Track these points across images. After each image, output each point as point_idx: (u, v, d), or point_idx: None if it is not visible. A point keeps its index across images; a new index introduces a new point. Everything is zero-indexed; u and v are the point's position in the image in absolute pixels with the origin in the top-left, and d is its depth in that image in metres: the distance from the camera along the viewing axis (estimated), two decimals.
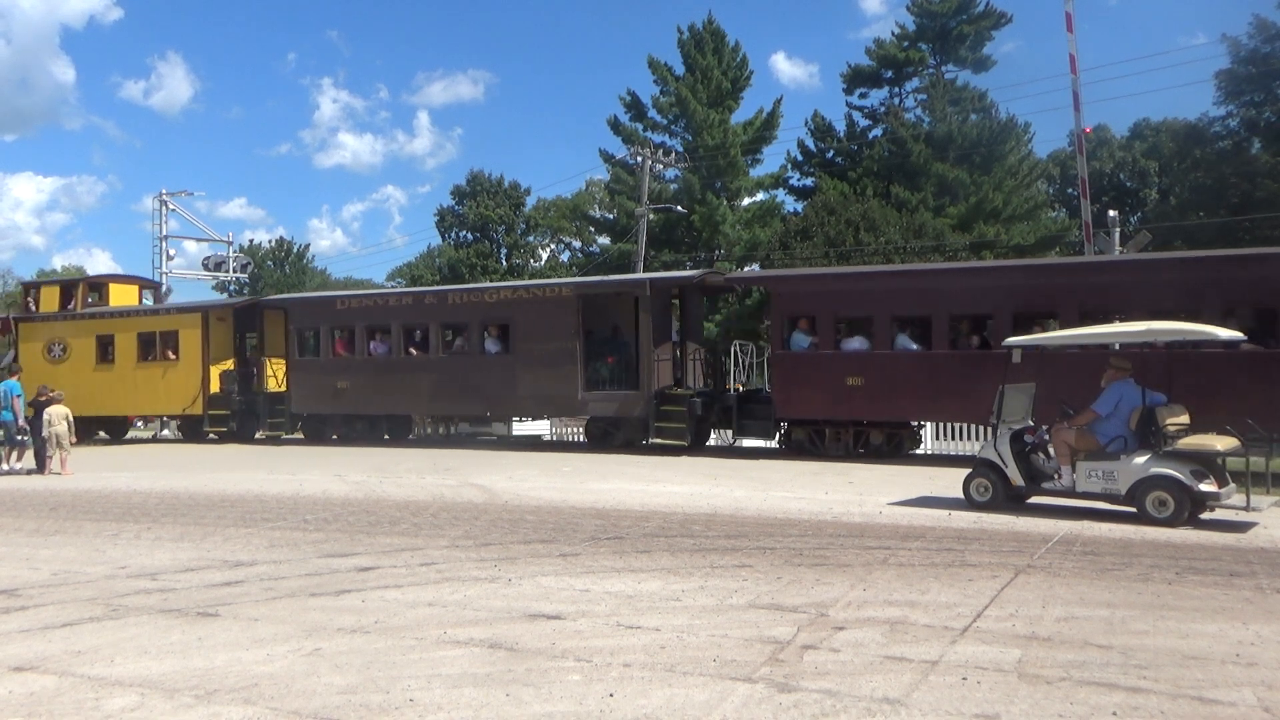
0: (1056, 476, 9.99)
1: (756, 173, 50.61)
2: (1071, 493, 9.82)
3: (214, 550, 8.47)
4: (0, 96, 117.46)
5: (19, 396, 17.49)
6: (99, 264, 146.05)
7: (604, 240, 55.41)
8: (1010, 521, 9.51)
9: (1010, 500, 10.22)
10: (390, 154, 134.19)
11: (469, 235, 66.49)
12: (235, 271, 29.54)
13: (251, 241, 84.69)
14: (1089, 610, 5.95)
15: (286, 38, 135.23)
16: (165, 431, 27.84)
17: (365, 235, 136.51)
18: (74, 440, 17.56)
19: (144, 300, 26.19)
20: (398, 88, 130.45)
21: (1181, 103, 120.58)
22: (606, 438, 18.76)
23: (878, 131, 49.26)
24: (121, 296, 25.34)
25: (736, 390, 18.09)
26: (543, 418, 23.00)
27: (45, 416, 16.91)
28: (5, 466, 17.18)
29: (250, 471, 16.01)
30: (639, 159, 38.67)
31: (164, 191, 27.69)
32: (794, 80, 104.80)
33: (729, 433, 19.07)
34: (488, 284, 22.02)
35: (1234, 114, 39.85)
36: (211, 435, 22.80)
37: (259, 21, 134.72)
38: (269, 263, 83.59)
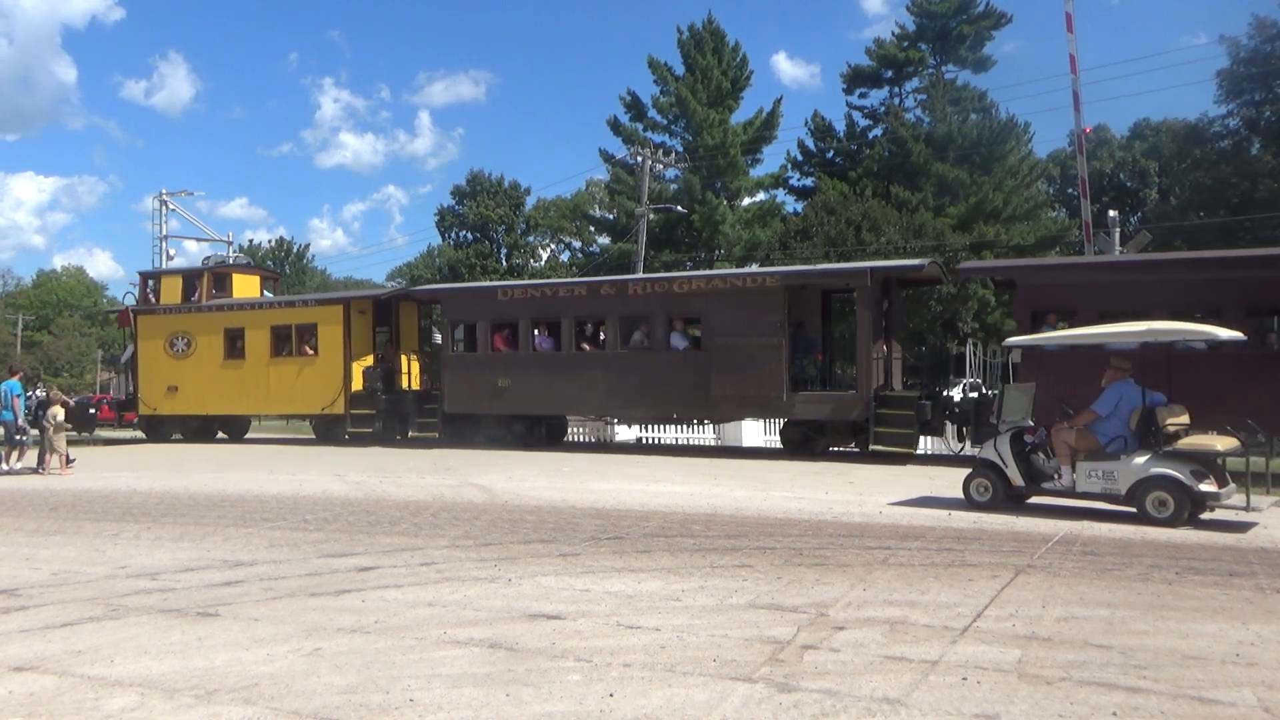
0: (1056, 476, 10.00)
1: (756, 173, 50.73)
2: (1071, 493, 9.82)
3: (214, 550, 8.47)
4: (2, 96, 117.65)
5: (19, 396, 17.38)
6: (99, 264, 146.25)
7: (604, 240, 55.46)
8: (1010, 521, 9.51)
9: (1010, 500, 10.23)
10: (391, 154, 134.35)
11: (469, 235, 66.57)
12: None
13: (251, 241, 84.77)
14: (1089, 610, 5.95)
15: (288, 37, 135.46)
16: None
17: (366, 235, 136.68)
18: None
19: (264, 292, 24.68)
20: (399, 88, 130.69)
21: (1181, 103, 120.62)
22: (807, 443, 17.11)
23: (878, 131, 49.35)
24: (244, 287, 23.95)
25: (976, 389, 16.26)
26: (738, 420, 20.83)
27: (46, 415, 16.91)
28: (5, 466, 17.14)
29: (250, 471, 16.01)
30: (639, 159, 38.67)
31: (164, 191, 27.73)
32: (795, 80, 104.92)
33: (928, 439, 17.51)
34: (676, 274, 20.04)
35: (1234, 114, 39.88)
36: (350, 436, 21.33)
37: (261, 21, 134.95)
38: (269, 263, 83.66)
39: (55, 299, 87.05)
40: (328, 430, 22.24)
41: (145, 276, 25.33)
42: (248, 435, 25.15)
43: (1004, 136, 44.78)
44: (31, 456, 17.40)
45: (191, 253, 67.08)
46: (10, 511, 11.44)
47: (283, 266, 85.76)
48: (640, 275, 20.39)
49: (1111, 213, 24.07)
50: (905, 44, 49.07)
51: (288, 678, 4.74)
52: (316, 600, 6.46)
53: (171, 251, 28.18)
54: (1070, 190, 52.92)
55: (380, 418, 20.71)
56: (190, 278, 23.86)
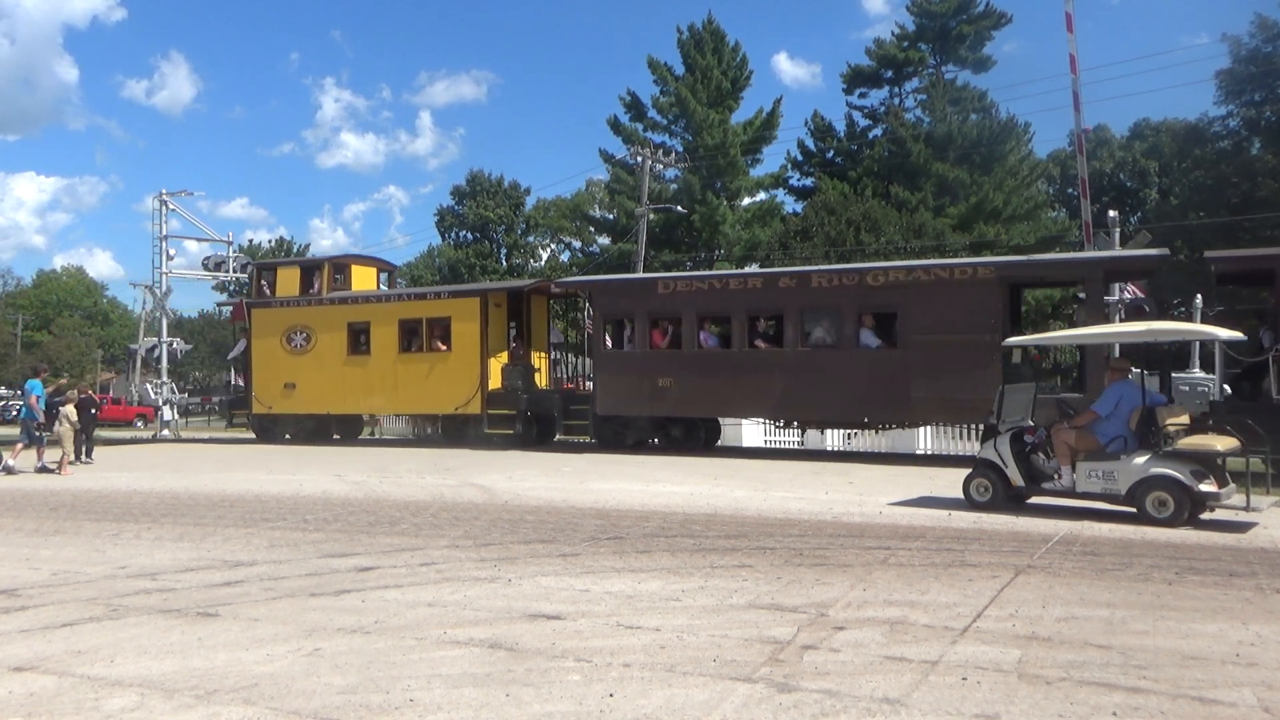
0: (1056, 476, 10.00)
1: (756, 173, 50.71)
2: (1071, 493, 9.82)
3: (214, 550, 8.47)
4: (4, 96, 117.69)
5: (39, 396, 17.45)
6: (100, 264, 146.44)
7: (604, 240, 55.46)
8: (1010, 521, 9.51)
9: (1010, 500, 10.23)
10: (392, 154, 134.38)
11: (469, 235, 66.56)
12: (235, 271, 29.43)
13: (251, 241, 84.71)
14: (1089, 610, 5.95)
15: (289, 37, 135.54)
16: (165, 432, 27.70)
17: (366, 235, 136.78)
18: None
19: (380, 284, 23.43)
20: (400, 88, 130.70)
21: (1181, 103, 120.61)
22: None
23: (878, 131, 49.35)
24: (362, 279, 22.79)
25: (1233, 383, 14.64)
26: (940, 424, 18.74)
27: (59, 415, 17.12)
28: (37, 463, 17.30)
29: (250, 471, 16.01)
30: (639, 159, 38.67)
31: (164, 191, 27.59)
32: (796, 80, 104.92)
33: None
34: (869, 264, 18.52)
35: (1234, 113, 39.88)
36: (487, 438, 19.73)
37: (262, 21, 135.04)
38: None
39: (55, 299, 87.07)
40: (457, 432, 20.84)
41: (259, 267, 24.14)
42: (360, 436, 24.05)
43: (1004, 136, 44.79)
44: (49, 455, 17.53)
45: (192, 253, 67.13)
46: (10, 511, 11.43)
47: None
48: (827, 266, 18.37)
49: (1111, 213, 24.00)
50: (905, 44, 49.06)
51: (288, 678, 4.74)
52: (316, 600, 6.45)
53: (171, 251, 28.01)
54: (1070, 190, 52.91)
55: (520, 419, 19.32)
56: (309, 269, 22.69)
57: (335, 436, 22.95)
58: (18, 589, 6.93)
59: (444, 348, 20.14)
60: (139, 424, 37.91)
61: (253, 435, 23.92)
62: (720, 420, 19.32)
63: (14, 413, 48.60)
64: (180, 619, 5.97)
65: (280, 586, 6.92)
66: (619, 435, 18.35)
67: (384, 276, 23.99)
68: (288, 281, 22.49)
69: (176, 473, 16.02)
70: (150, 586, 6.96)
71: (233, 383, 26.42)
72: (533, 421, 19.64)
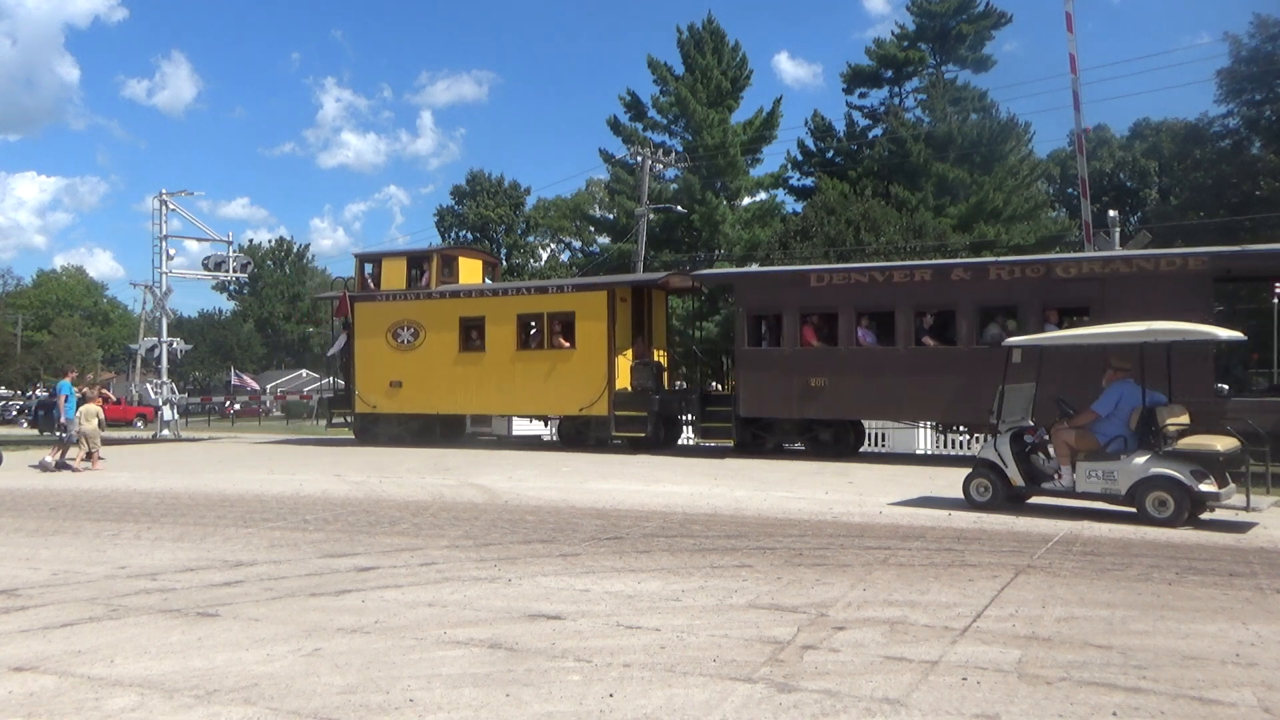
0: (1056, 476, 10.00)
1: (756, 173, 50.70)
2: (1071, 493, 9.82)
3: (214, 550, 8.47)
4: (5, 96, 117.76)
5: (67, 396, 17.71)
6: (100, 264, 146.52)
7: (604, 240, 55.46)
8: (1010, 521, 9.51)
9: (1010, 500, 10.23)
10: (393, 154, 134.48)
11: (469, 235, 66.58)
12: (235, 271, 29.44)
13: (251, 241, 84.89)
14: (1089, 610, 5.95)
15: (290, 37, 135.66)
16: (165, 432, 27.69)
17: (367, 235, 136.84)
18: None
19: (485, 279, 22.16)
20: (401, 87, 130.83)
21: (1182, 103, 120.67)
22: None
23: (878, 131, 49.31)
24: (469, 273, 21.57)
25: None
26: None
27: (78, 413, 17.33)
28: (57, 461, 17.49)
29: (250, 471, 16.01)
30: (639, 159, 38.67)
31: (164, 191, 27.59)
32: (797, 80, 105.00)
33: None
34: (1057, 255, 17.02)
35: (1234, 113, 39.87)
36: (615, 441, 18.56)
37: (263, 21, 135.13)
38: (269, 262, 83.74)
39: (55, 299, 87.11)
40: (577, 434, 19.50)
41: (362, 260, 22.57)
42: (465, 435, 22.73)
43: (1004, 136, 44.77)
44: (69, 453, 17.77)
45: (193, 253, 67.22)
46: (10, 511, 11.43)
47: (283, 266, 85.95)
48: (1008, 258, 16.97)
49: (1111, 213, 24.03)
50: (905, 44, 49.04)
51: (288, 678, 4.74)
52: (316, 600, 6.45)
53: (171, 251, 28.01)
54: (1070, 190, 52.94)
55: (651, 420, 18.12)
56: (416, 260, 21.29)
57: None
58: (18, 589, 6.93)
59: (567, 345, 18.89)
60: (139, 424, 37.90)
61: (322, 433, 23.32)
62: (865, 424, 18.27)
63: (13, 413, 48.64)
64: (180, 619, 5.97)
65: (280, 586, 6.92)
66: (760, 439, 17.30)
67: (489, 271, 22.78)
68: (393, 274, 21.04)
69: (176, 473, 16.02)
70: (150, 586, 6.96)
71: (331, 380, 25.97)
72: (661, 424, 18.64)
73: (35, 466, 17.33)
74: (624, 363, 18.64)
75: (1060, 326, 14.66)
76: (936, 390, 15.23)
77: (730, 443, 17.34)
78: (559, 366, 18.79)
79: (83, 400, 17.64)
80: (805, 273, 17.62)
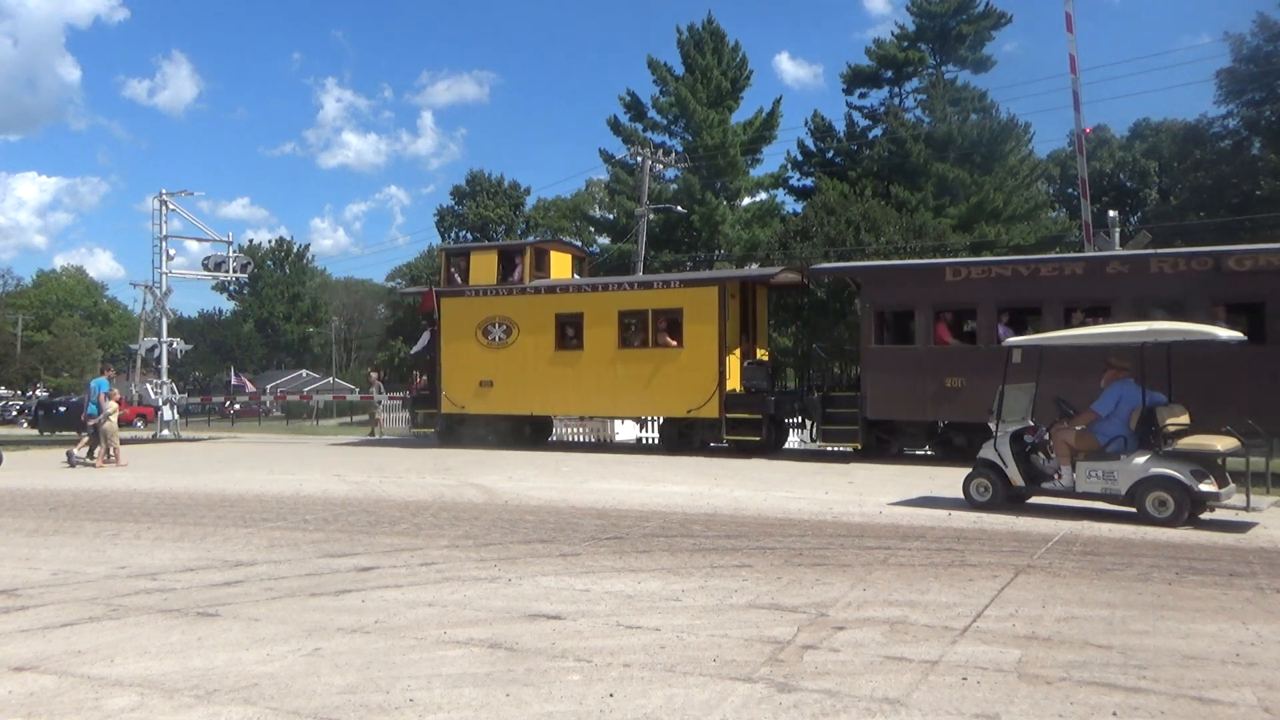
0: (1056, 476, 9.99)
1: (756, 173, 50.76)
2: (1071, 493, 9.82)
3: (214, 550, 8.47)
4: (6, 96, 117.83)
5: (105, 393, 18.03)
6: (100, 264, 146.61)
7: (604, 240, 55.47)
8: (1010, 521, 9.51)
9: (1010, 500, 10.23)
10: (394, 154, 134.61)
11: (469, 235, 66.61)
12: (235, 271, 29.43)
13: (251, 241, 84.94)
14: (1089, 610, 5.95)
15: (291, 37, 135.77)
16: (165, 432, 27.66)
17: (367, 235, 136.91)
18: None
19: (574, 274, 21.10)
20: (402, 87, 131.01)
21: (1181, 103, 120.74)
22: None
23: (878, 131, 49.34)
24: (560, 267, 20.62)
25: None
26: None
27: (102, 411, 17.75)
28: (77, 456, 18.01)
29: (250, 471, 16.01)
30: (639, 159, 38.67)
31: (164, 191, 27.58)
32: (798, 80, 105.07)
33: None
34: (1229, 247, 15.83)
35: (1234, 113, 39.90)
36: (727, 444, 17.56)
37: (264, 21, 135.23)
38: (269, 263, 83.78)
39: (55, 299, 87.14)
40: (680, 437, 18.40)
41: (448, 253, 21.76)
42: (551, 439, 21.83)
43: (1004, 136, 44.81)
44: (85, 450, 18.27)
45: (193, 253, 67.23)
46: (10, 511, 11.43)
47: (283, 267, 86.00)
48: (1169, 250, 15.90)
49: (1111, 213, 24.04)
50: (905, 44, 49.09)
51: (288, 678, 4.74)
52: (316, 600, 6.45)
53: (171, 251, 27.98)
54: (1070, 190, 52.95)
55: (765, 423, 17.20)
56: (509, 254, 20.36)
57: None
58: (18, 589, 6.93)
59: (674, 343, 17.93)
60: (139, 424, 37.90)
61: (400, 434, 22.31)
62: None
63: (13, 413, 48.64)
64: (180, 619, 5.97)
65: (280, 586, 6.92)
66: (885, 442, 16.48)
67: (578, 264, 21.76)
68: (483, 268, 20.04)
69: (176, 473, 16.02)
70: (150, 586, 6.96)
71: (416, 379, 25.19)
72: (773, 426, 17.72)
73: (68, 463, 17.77)
74: (733, 362, 17.76)
75: (1230, 324, 13.31)
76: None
77: (853, 446, 16.40)
78: (664, 366, 17.90)
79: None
80: (940, 266, 16.61)
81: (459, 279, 20.39)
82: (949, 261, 17.91)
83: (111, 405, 17.69)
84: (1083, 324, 14.43)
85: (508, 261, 20.05)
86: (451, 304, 20.11)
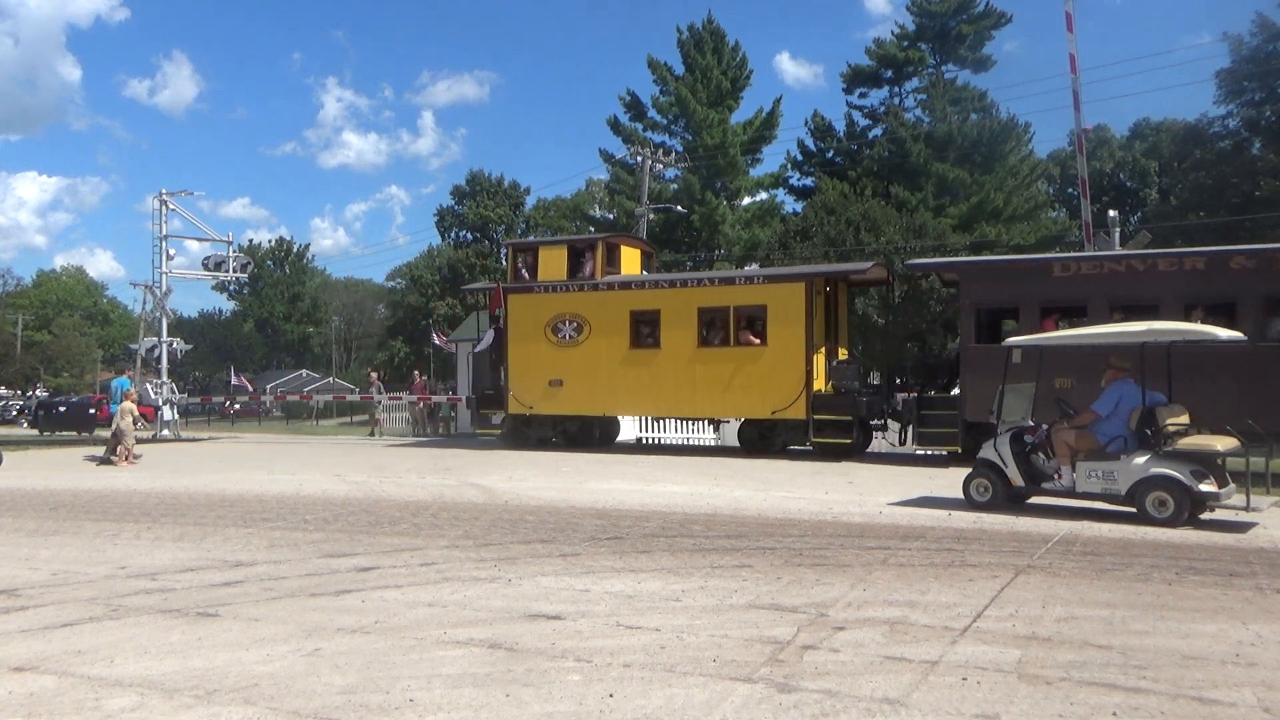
0: (1056, 476, 9.99)
1: (756, 172, 50.73)
2: (1071, 493, 9.82)
3: (214, 550, 8.47)
4: (6, 96, 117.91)
5: (127, 392, 18.84)
6: (100, 264, 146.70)
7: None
8: (1010, 521, 9.51)
9: (1010, 500, 10.22)
10: (394, 154, 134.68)
11: (469, 235, 66.63)
12: (235, 271, 29.42)
13: (251, 241, 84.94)
14: (1089, 610, 5.95)
15: (292, 37, 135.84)
16: (165, 432, 27.66)
17: (368, 235, 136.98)
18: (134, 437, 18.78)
19: (643, 269, 20.45)
20: (402, 87, 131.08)
21: (1182, 103, 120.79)
22: None
23: (878, 131, 49.34)
24: (630, 262, 19.87)
25: None
26: None
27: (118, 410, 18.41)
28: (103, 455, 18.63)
29: (250, 471, 16.01)
30: (639, 159, 38.67)
31: (164, 191, 27.56)
32: (798, 80, 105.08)
33: None
34: None
35: (1234, 113, 39.90)
36: (813, 447, 16.83)
37: (265, 21, 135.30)
38: (269, 262, 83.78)
39: (55, 299, 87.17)
40: (760, 439, 17.64)
41: (516, 248, 21.00)
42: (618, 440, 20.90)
43: (1004, 136, 44.79)
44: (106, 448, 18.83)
45: (193, 253, 67.24)
46: (10, 511, 11.43)
47: (282, 266, 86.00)
48: None
49: (1111, 213, 24.02)
50: (905, 44, 49.07)
51: (288, 678, 4.74)
52: (316, 600, 6.45)
53: (171, 251, 27.94)
54: (1070, 190, 52.95)
55: (856, 425, 16.60)
56: (579, 249, 19.54)
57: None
58: (18, 589, 6.93)
59: (757, 341, 17.20)
60: (139, 424, 37.91)
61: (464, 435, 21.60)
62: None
63: (13, 413, 48.66)
64: (180, 619, 5.97)
65: (280, 586, 6.92)
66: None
67: (646, 260, 20.98)
68: (552, 263, 19.25)
69: (176, 473, 16.02)
70: (150, 586, 6.96)
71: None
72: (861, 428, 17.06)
73: (95, 460, 18.39)
74: (820, 361, 17.14)
75: None
76: (1214, 392, 12.70)
77: (951, 450, 15.70)
78: (746, 366, 17.12)
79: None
80: (1046, 262, 15.76)
81: (526, 275, 19.55)
82: (1057, 256, 16.87)
83: (128, 405, 18.03)
84: (1202, 323, 13.13)
85: (578, 257, 19.27)
86: (519, 301, 19.33)
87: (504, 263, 23.51)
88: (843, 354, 18.43)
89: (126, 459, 17.99)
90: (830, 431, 16.47)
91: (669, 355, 17.81)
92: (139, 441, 18.75)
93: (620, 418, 20.44)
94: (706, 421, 21.58)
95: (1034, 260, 16.90)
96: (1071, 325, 14.79)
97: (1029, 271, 15.56)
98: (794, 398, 16.62)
